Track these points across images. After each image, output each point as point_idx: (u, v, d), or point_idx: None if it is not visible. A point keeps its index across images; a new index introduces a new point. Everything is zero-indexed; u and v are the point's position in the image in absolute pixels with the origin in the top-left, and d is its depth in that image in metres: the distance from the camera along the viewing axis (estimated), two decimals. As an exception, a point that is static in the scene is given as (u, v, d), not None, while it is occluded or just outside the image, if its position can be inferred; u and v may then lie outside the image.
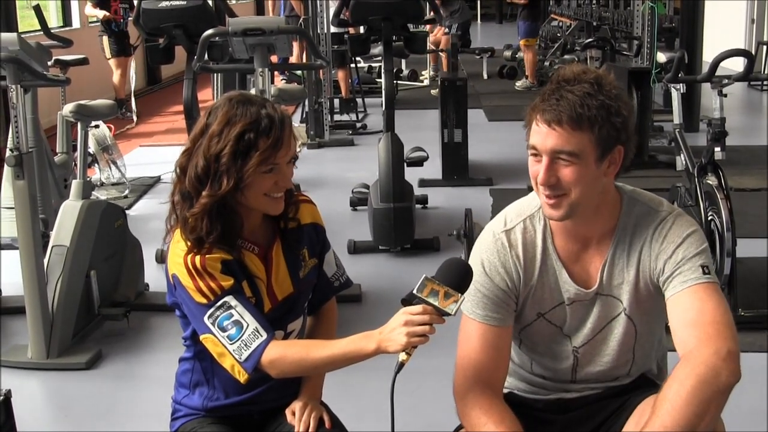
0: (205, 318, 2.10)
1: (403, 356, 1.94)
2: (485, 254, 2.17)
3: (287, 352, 2.10)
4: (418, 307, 1.94)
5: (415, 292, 1.94)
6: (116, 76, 11.02)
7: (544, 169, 2.01)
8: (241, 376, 2.11)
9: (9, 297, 4.78)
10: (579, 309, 2.17)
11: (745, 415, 3.47)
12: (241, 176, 2.05)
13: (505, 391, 2.29)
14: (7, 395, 2.53)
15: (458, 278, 1.97)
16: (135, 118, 10.75)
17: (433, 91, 11.67)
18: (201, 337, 2.13)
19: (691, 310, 1.98)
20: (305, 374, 2.23)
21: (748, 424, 3.42)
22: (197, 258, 2.10)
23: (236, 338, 2.08)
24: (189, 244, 2.11)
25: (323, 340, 2.20)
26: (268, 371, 2.10)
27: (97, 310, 4.39)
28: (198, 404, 2.31)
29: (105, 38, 10.73)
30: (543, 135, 2.00)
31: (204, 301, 2.09)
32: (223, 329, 2.09)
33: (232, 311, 2.08)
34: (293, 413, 2.25)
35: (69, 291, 4.17)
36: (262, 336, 2.08)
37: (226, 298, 2.09)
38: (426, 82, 13.24)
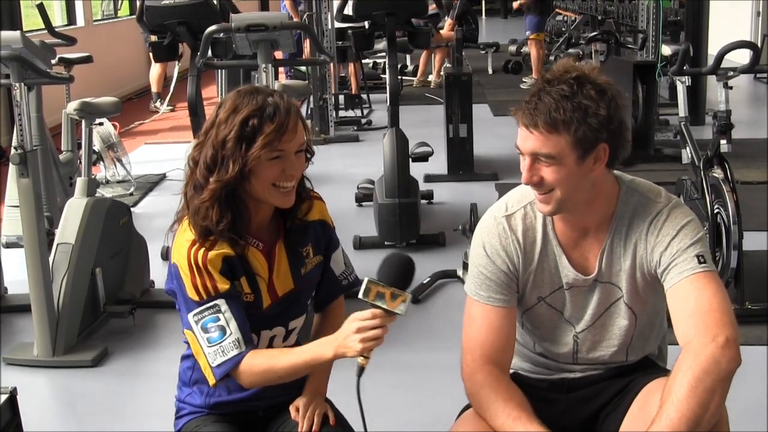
0: (191, 315, 2.11)
1: (361, 360, 1.97)
2: (486, 237, 2.23)
3: (254, 362, 2.10)
4: (367, 313, 1.96)
5: (360, 296, 1.95)
6: (158, 69, 11.21)
7: (526, 169, 2.08)
8: (210, 380, 2.12)
9: (15, 295, 4.79)
10: (578, 295, 2.21)
11: (753, 408, 3.46)
12: (246, 161, 2.05)
13: (510, 371, 2.32)
14: (13, 393, 2.53)
15: (401, 277, 1.99)
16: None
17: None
18: (184, 330, 2.15)
19: (689, 301, 2.03)
20: (272, 383, 2.19)
21: (756, 419, 3.41)
22: (200, 252, 2.09)
23: (215, 342, 2.09)
24: (196, 234, 2.12)
25: (287, 349, 2.18)
26: (239, 381, 2.13)
27: (102, 308, 4.39)
28: (200, 402, 2.31)
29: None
30: (523, 138, 2.06)
31: (196, 298, 2.10)
32: (206, 330, 2.09)
33: (220, 315, 2.09)
34: (297, 410, 2.25)
35: (74, 289, 4.17)
36: (241, 348, 2.09)
37: (217, 301, 2.10)
38: (431, 78, 13.23)
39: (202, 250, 2.10)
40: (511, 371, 2.33)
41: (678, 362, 1.95)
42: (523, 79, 12.90)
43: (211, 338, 2.09)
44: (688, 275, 2.05)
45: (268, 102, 2.07)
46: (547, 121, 2.00)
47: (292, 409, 2.25)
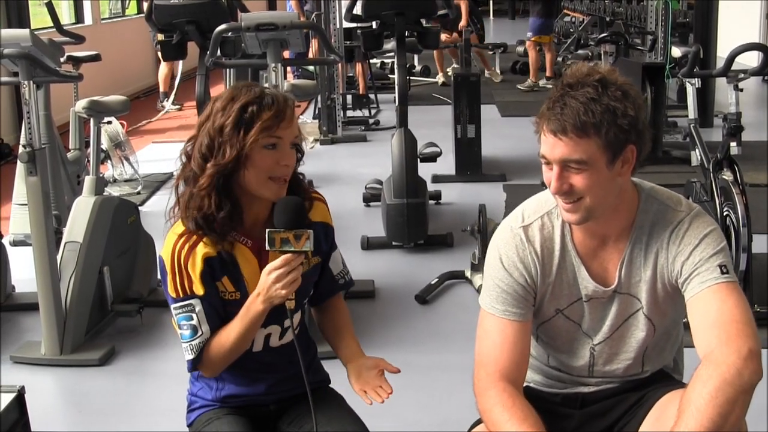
0: (172, 308, 2.20)
1: (289, 304, 2.12)
2: (503, 249, 2.16)
3: (211, 351, 2.20)
4: (279, 260, 2.09)
5: (268, 248, 2.09)
6: (166, 68, 11.22)
7: (555, 178, 2.00)
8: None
9: (22, 293, 4.80)
10: (597, 306, 2.16)
11: (755, 412, 3.44)
12: (243, 145, 2.08)
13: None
14: (21, 391, 2.53)
15: (295, 217, 2.10)
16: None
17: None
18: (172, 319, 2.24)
19: (711, 311, 1.97)
20: (230, 360, 2.23)
21: (758, 423, 3.40)
22: (184, 250, 2.15)
23: (186, 340, 2.19)
24: (186, 227, 2.16)
25: (228, 325, 2.21)
26: (207, 373, 2.26)
27: (110, 307, 4.39)
28: (211, 396, 2.33)
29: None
30: (550, 145, 1.99)
31: (173, 294, 2.18)
32: (180, 326, 2.19)
33: (193, 314, 2.17)
34: (365, 392, 2.21)
35: (82, 287, 4.17)
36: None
37: (192, 301, 2.17)
38: (437, 78, 13.22)
39: (186, 247, 2.15)
40: (524, 384, 2.27)
41: (697, 372, 1.89)
42: (532, 82, 12.88)
43: (183, 335, 2.19)
44: (710, 285, 1.99)
45: (266, 92, 2.13)
46: (576, 125, 1.94)
47: (359, 391, 2.22)
